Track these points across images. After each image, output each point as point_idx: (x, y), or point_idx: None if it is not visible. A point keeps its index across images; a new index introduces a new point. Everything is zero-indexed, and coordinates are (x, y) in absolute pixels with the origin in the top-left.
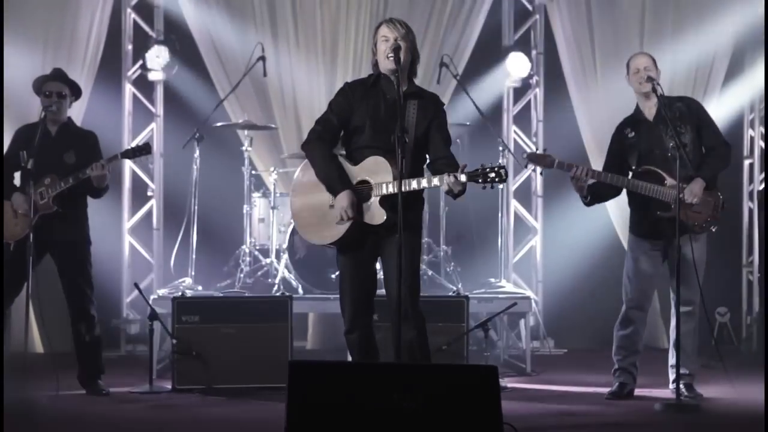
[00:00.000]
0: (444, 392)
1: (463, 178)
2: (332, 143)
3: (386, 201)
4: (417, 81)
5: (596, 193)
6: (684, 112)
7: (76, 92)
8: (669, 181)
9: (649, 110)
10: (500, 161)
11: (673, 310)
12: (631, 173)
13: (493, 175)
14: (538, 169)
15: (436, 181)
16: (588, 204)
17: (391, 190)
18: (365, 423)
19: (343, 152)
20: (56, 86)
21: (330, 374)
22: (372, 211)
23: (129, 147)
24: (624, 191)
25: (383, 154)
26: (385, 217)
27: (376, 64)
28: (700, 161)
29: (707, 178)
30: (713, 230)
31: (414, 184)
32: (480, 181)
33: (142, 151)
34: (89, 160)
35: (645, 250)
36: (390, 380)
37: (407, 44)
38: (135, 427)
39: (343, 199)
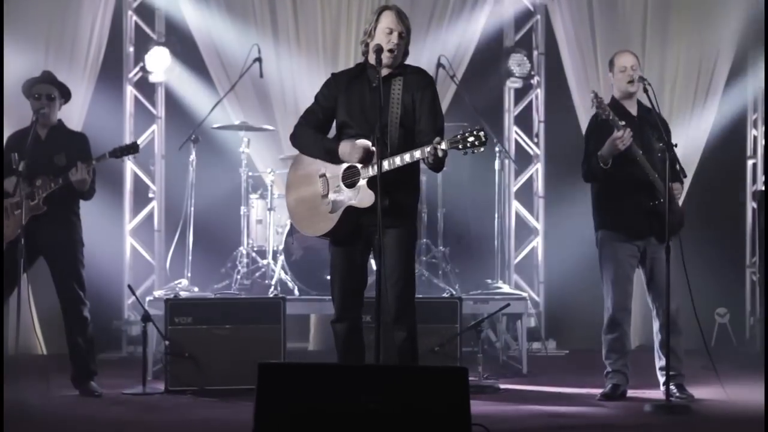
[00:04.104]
0: (413, 394)
1: (444, 145)
2: (318, 131)
3: (374, 183)
4: None
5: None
6: (664, 120)
7: (65, 94)
8: (659, 176)
9: (631, 108)
10: (497, 161)
11: (653, 313)
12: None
13: (472, 139)
14: (596, 110)
15: (417, 153)
16: (607, 171)
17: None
18: (334, 425)
19: None
20: (45, 89)
21: (299, 376)
22: (361, 195)
23: (117, 146)
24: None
25: (369, 139)
26: (374, 199)
27: (366, 47)
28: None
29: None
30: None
31: (397, 160)
32: (460, 147)
33: (130, 149)
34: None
35: (625, 250)
36: (359, 382)
37: (404, 42)
38: (123, 429)
39: (346, 146)
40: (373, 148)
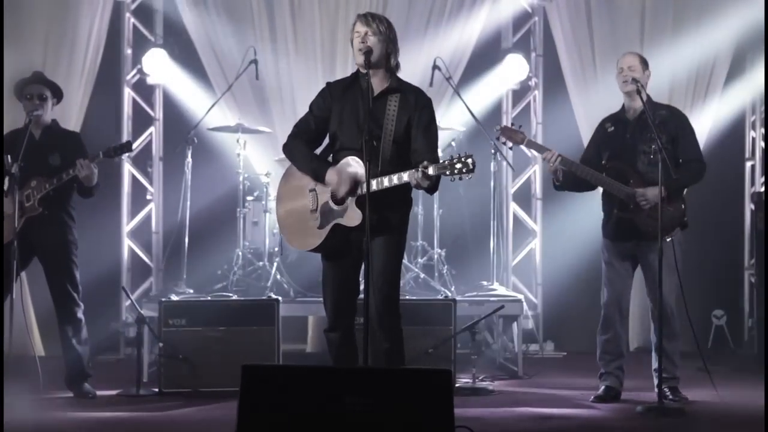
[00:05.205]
0: (396, 395)
1: (431, 171)
2: (310, 142)
3: (363, 201)
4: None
5: (569, 182)
6: (666, 120)
7: (57, 94)
8: (634, 182)
9: (634, 111)
10: (493, 162)
11: (650, 315)
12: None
13: (459, 165)
14: (508, 144)
15: (405, 177)
16: (558, 188)
17: (365, 189)
18: (317, 427)
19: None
20: (37, 89)
21: (282, 378)
22: (349, 213)
23: (111, 146)
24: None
25: (360, 155)
26: (361, 219)
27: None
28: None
29: (670, 188)
30: (668, 240)
31: (385, 182)
32: (448, 173)
33: (124, 149)
34: (74, 161)
35: (616, 252)
36: (342, 384)
37: (378, 38)
38: (115, 430)
39: (332, 175)
40: (360, 178)
